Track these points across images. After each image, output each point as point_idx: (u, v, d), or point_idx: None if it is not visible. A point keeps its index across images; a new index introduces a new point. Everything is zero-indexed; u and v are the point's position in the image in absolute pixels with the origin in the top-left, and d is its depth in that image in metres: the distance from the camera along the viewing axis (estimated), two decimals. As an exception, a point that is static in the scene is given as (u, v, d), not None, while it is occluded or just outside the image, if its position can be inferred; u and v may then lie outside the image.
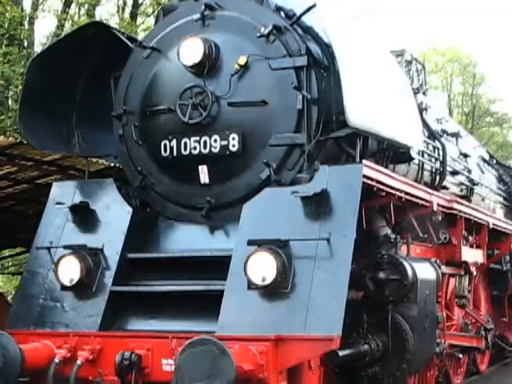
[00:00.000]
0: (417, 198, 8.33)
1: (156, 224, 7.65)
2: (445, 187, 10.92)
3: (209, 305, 6.56)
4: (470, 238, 11.02)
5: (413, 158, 9.16)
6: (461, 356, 10.33)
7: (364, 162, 6.77)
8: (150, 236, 7.54)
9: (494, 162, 17.19)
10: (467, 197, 12.42)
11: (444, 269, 9.32)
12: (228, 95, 7.24)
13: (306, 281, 6.25)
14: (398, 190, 7.67)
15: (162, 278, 7.07)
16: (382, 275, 7.52)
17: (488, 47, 72.94)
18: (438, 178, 10.65)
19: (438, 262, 8.77)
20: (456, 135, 12.81)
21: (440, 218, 9.32)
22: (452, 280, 10.47)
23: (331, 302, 6.08)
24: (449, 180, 11.37)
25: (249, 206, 6.85)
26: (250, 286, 6.33)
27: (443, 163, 10.66)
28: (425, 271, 7.96)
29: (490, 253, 13.38)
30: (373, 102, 7.28)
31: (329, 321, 6.01)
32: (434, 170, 10.59)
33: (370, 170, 6.88)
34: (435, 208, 8.78)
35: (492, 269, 14.48)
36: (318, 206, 6.52)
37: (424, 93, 11.51)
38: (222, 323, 6.30)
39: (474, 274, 10.71)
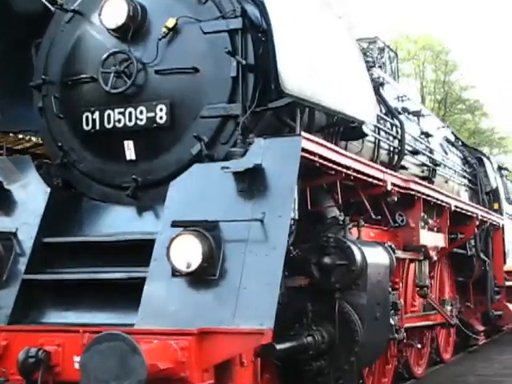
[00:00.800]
0: (368, 176, 7.67)
1: (79, 205, 6.93)
2: (404, 167, 10.29)
3: (130, 295, 5.85)
4: (431, 221, 10.40)
5: (366, 135, 8.48)
6: (419, 346, 9.70)
7: (303, 134, 6.06)
8: (72, 219, 6.81)
9: (460, 143, 16.65)
10: (429, 178, 11.82)
11: (400, 253, 8.68)
12: (155, 62, 6.53)
13: (237, 267, 5.57)
14: (345, 166, 6.99)
15: (81, 264, 6.36)
16: (327, 260, 6.85)
17: (460, 35, 72.64)
18: (396, 157, 10.02)
19: (392, 246, 8.14)
20: (417, 114, 12.20)
21: (395, 199, 8.68)
22: (412, 266, 9.87)
23: (263, 291, 5.40)
24: (409, 160, 10.75)
25: (176, 183, 6.15)
26: (174, 272, 5.64)
27: (401, 141, 10.02)
28: (376, 256, 7.32)
29: (453, 237, 12.85)
30: (316, 68, 6.61)
31: (260, 311, 5.33)
32: (391, 148, 9.96)
33: (311, 143, 6.18)
34: (389, 188, 8.14)
35: (456, 254, 13.98)
36: (252, 183, 5.82)
37: (380, 66, 10.84)
38: (142, 315, 5.60)
39: (435, 258, 10.09)
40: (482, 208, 14.00)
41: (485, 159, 16.39)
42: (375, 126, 9.32)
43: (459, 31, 72.92)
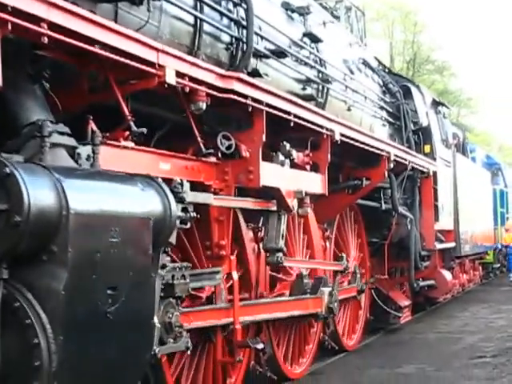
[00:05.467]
0: (115, 50, 4.16)
1: None
2: (258, 73, 6.72)
3: None
4: (298, 153, 6.94)
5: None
6: (260, 346, 6.24)
7: None
8: None
9: (384, 70, 13.15)
10: (314, 99, 8.30)
11: (202, 196, 5.17)
12: None
13: None
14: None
15: None
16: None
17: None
18: (239, 54, 6.46)
19: (181, 182, 4.66)
20: (302, 10, 8.63)
21: (203, 107, 5.18)
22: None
23: None
24: (271, 65, 7.22)
25: None
26: None
27: (248, 30, 6.46)
28: (113, 194, 3.83)
29: (356, 183, 9.45)
30: None
31: None
32: (231, 40, 6.41)
33: None
34: (170, 80, 4.60)
35: (368, 207, 10.61)
36: None
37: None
38: None
39: (294, 210, 6.61)
40: (399, 146, 10.54)
41: (413, 88, 12.87)
42: (193, -2, 5.81)
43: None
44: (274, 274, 7.23)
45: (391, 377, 8.06)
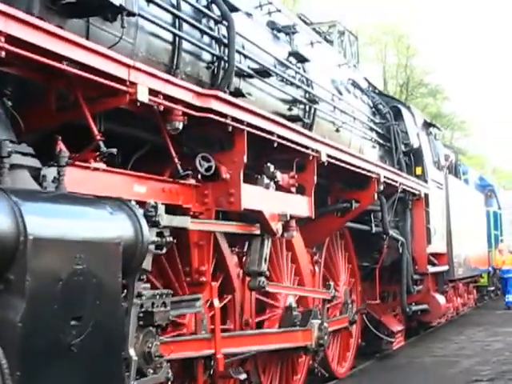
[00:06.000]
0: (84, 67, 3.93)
1: None
2: (240, 93, 6.50)
3: None
4: (282, 175, 6.71)
5: (130, 14, 4.73)
6: (243, 377, 5.96)
7: None
8: None
9: (376, 92, 12.98)
10: (301, 120, 8.10)
11: (178, 220, 4.91)
12: None
13: None
14: None
15: None
16: None
17: (421, 20, 70.35)
18: (221, 73, 6.25)
19: (156, 205, 4.42)
20: (289, 29, 8.46)
21: (180, 127, 4.96)
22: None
23: None
24: (256, 84, 7.02)
25: None
26: None
27: (229, 48, 6.25)
28: (70, 221, 3.58)
29: (345, 206, 9.23)
30: None
31: None
32: (212, 59, 6.21)
33: None
34: (142, 98, 4.36)
35: (359, 231, 10.38)
36: None
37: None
38: None
39: (279, 234, 6.36)
40: (389, 168, 10.33)
41: (404, 110, 12.67)
42: (173, 15, 5.61)
43: (420, 16, 70.22)
44: (261, 297, 6.98)
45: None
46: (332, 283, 8.54)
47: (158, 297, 4.63)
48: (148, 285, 4.75)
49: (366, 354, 11.20)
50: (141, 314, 4.43)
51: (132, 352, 4.19)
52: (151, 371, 4.55)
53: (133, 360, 4.23)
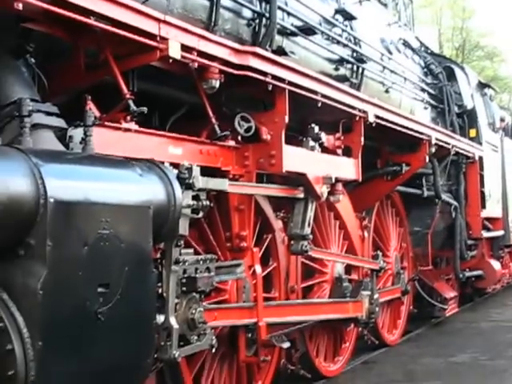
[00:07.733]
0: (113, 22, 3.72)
1: None
2: (283, 51, 6.21)
3: None
4: (328, 137, 6.44)
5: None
6: (285, 346, 5.77)
7: None
8: None
9: (427, 51, 12.51)
10: (349, 81, 7.78)
11: (215, 182, 4.69)
12: None
13: None
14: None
15: None
16: None
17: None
18: (262, 30, 5.98)
19: (190, 166, 4.21)
20: (335, -15, 8.10)
21: (216, 85, 4.73)
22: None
23: None
24: (299, 43, 6.72)
25: None
26: None
27: (270, 3, 5.97)
28: (95, 184, 3.39)
29: (395, 169, 8.91)
30: None
31: None
32: (253, 15, 5.93)
33: None
34: (174, 54, 4.13)
35: (410, 195, 10.06)
36: None
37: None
38: None
39: (323, 198, 6.11)
40: (441, 130, 9.93)
41: (457, 70, 12.19)
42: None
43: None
44: (307, 262, 6.77)
45: (445, 365, 7.82)
46: (380, 253, 8.26)
47: (201, 262, 4.46)
48: (191, 250, 4.60)
49: (419, 319, 10.95)
50: (184, 280, 4.27)
51: (173, 321, 4.04)
52: (195, 338, 4.39)
53: (174, 329, 4.08)
